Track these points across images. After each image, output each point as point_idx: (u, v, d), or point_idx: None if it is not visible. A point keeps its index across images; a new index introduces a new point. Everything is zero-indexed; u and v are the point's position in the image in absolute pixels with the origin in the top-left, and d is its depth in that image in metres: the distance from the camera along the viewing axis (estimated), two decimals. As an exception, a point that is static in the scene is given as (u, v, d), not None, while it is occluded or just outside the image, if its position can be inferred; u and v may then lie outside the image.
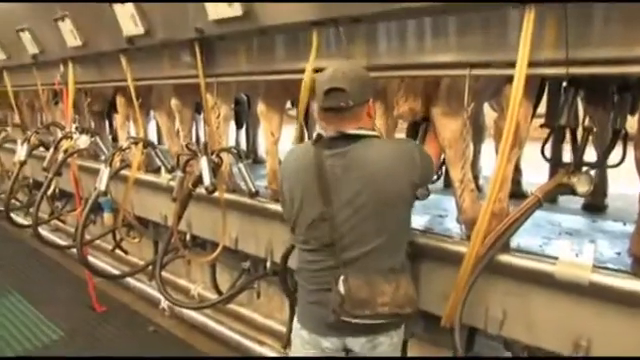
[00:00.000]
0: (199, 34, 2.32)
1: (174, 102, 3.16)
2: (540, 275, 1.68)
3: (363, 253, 1.63)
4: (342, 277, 1.60)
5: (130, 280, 3.88)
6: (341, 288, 1.59)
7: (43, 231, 4.73)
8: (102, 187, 2.80)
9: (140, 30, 2.58)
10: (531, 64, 1.51)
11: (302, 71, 2.12)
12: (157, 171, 3.26)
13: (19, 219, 5.01)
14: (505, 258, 1.74)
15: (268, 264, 2.63)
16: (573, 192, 1.68)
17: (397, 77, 2.08)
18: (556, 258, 1.66)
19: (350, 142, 1.65)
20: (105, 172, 2.84)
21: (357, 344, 1.72)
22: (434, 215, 2.59)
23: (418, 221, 2.54)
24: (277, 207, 2.52)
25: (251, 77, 2.44)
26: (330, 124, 1.67)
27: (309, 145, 1.75)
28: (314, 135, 1.75)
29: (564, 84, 1.97)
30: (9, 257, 4.97)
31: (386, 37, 1.94)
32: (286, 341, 2.76)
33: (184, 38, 2.44)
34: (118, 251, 3.73)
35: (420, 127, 2.36)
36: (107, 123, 4.81)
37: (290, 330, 2.31)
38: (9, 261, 4.90)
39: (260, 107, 2.73)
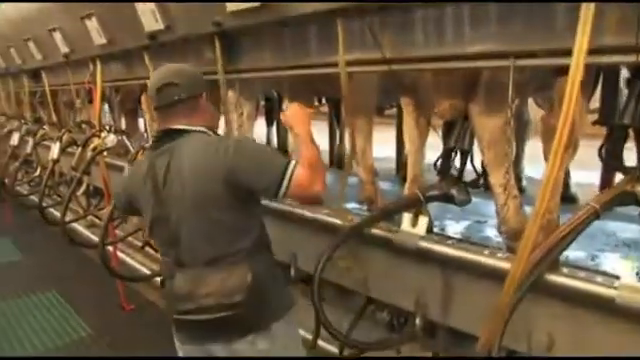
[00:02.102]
0: (217, 27, 2.15)
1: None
2: (596, 298, 1.41)
3: (192, 249, 1.57)
4: (171, 275, 1.61)
5: (159, 278, 3.79)
6: (168, 285, 1.64)
7: (78, 226, 4.75)
8: (124, 187, 2.69)
9: (160, 25, 2.43)
10: (590, 52, 1.24)
11: (331, 65, 1.92)
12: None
13: (57, 214, 5.06)
14: (554, 278, 1.48)
15: (292, 271, 2.45)
16: (638, 202, 1.40)
17: (431, 70, 1.85)
18: (614, 277, 1.39)
19: (175, 138, 1.60)
20: (126, 171, 2.73)
21: (217, 351, 1.61)
22: (472, 221, 2.35)
23: (455, 228, 2.31)
24: (301, 211, 2.34)
25: (276, 73, 2.24)
26: (162, 122, 1.65)
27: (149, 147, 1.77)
28: None
29: (625, 75, 1.69)
30: (46, 251, 5.01)
31: (419, 26, 1.71)
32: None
33: (204, 32, 2.28)
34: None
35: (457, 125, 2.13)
36: (141, 121, 4.76)
37: (316, 337, 2.14)
38: (47, 255, 4.94)
39: (285, 104, 2.56)
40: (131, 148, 3.34)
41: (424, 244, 1.82)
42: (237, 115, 2.60)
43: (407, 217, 1.90)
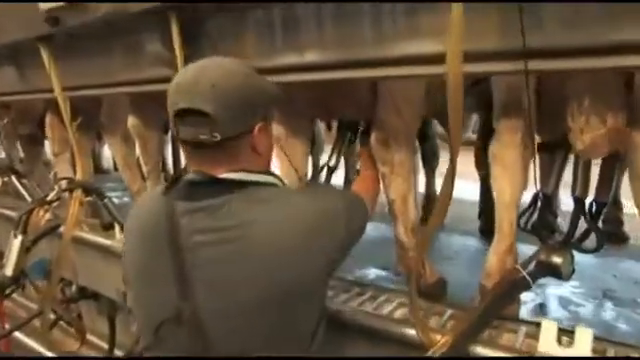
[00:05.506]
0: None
1: (132, 121, 1.95)
2: None
3: None
4: None
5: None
6: None
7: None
8: (9, 271, 1.53)
9: (67, -2, 1.36)
10: None
11: (395, 61, 1.03)
12: (110, 227, 2.00)
13: None
14: None
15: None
16: None
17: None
18: None
19: (223, 192, 0.94)
20: (15, 244, 1.57)
21: None
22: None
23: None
24: (367, 321, 1.35)
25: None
26: (192, 163, 0.99)
27: (160, 192, 1.02)
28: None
29: None
30: None
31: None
32: None
33: (147, 7, 1.25)
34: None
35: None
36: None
37: None
38: None
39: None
40: (25, 194, 2.13)
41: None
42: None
43: (550, 328, 1.04)
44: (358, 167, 1.81)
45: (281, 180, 1.06)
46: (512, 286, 1.20)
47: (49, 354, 2.70)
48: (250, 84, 0.96)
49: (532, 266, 1.21)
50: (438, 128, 2.47)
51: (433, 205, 2.47)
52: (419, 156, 2.49)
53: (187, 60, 1.34)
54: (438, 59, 0.96)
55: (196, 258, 0.93)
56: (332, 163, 1.77)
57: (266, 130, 1.01)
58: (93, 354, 2.62)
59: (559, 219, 1.89)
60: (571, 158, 1.41)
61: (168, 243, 0.95)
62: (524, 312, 1.50)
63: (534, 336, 1.16)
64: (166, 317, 0.94)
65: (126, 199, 3.04)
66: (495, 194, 1.27)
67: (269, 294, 0.91)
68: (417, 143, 2.49)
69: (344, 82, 1.33)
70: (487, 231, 2.18)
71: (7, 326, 2.64)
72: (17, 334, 2.68)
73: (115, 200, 2.97)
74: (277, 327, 0.94)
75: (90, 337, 2.69)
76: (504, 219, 1.26)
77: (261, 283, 0.90)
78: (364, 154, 1.52)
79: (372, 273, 1.75)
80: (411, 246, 1.47)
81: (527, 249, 1.31)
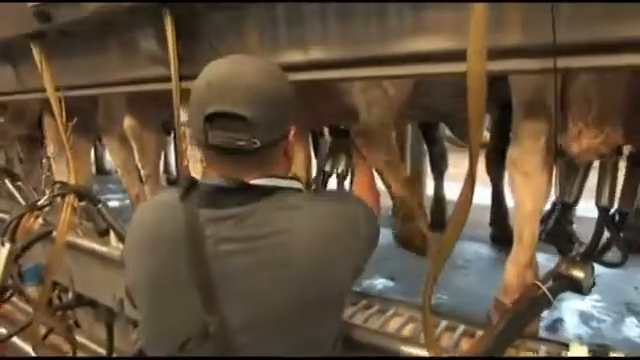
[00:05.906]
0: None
1: (128, 122, 1.86)
2: None
3: None
4: None
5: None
6: None
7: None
8: (-5, 280, 1.46)
9: (57, -7, 1.27)
10: None
11: (403, 59, 0.94)
12: (105, 233, 1.91)
13: None
14: None
15: None
16: None
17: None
18: None
19: (251, 199, 0.87)
20: (2, 252, 1.49)
21: None
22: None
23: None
24: (370, 338, 1.27)
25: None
26: (217, 168, 0.90)
27: (175, 198, 0.92)
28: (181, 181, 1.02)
29: None
30: None
31: None
32: None
33: (140, 5, 1.16)
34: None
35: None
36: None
37: None
38: None
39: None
40: (19, 198, 2.05)
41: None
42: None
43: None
44: (339, 171, 1.75)
45: (302, 182, 0.98)
46: (532, 304, 1.10)
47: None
48: (282, 85, 0.89)
49: (552, 281, 1.13)
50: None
51: (441, 208, 2.41)
52: (427, 160, 2.41)
53: (182, 59, 1.25)
54: (453, 57, 0.88)
55: (224, 268, 0.85)
56: (328, 169, 1.72)
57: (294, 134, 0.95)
58: (92, 360, 2.54)
59: (574, 225, 1.79)
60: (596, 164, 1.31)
61: (190, 253, 0.87)
62: (541, 328, 1.40)
63: (555, 356, 1.07)
64: (191, 332, 0.85)
65: (127, 202, 2.96)
66: (515, 203, 1.17)
67: (299, 302, 0.85)
68: (425, 146, 2.41)
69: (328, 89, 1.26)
70: (499, 239, 2.09)
71: (2, 329, 2.58)
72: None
73: (116, 203, 2.88)
74: (304, 337, 0.88)
75: (88, 344, 2.62)
76: (525, 230, 1.15)
77: (292, 291, 0.85)
78: (357, 160, 1.47)
79: (380, 283, 1.65)
80: (406, 194, 1.50)
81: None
